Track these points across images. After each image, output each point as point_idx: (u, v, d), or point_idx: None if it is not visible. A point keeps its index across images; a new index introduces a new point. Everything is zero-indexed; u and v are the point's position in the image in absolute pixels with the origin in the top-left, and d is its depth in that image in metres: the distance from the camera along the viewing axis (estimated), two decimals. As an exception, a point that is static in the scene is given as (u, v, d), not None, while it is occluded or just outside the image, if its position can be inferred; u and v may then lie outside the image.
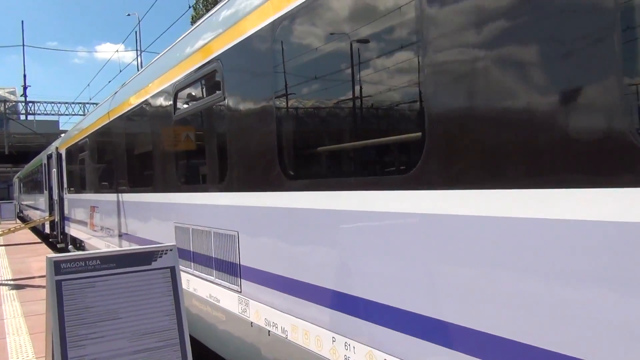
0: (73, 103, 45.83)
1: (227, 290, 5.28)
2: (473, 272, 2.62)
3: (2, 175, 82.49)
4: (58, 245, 17.93)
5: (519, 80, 2.40)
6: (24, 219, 36.32)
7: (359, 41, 3.49)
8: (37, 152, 41.60)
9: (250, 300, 4.84)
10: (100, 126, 10.80)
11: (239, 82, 4.95)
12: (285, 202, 4.18)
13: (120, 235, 9.53)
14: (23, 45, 69.52)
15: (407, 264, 3.03)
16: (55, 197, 18.67)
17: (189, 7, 35.93)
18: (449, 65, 2.72)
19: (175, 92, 6.45)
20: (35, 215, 29.14)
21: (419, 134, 2.91)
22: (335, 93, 3.82)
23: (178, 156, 6.62)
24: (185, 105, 6.33)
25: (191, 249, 6.17)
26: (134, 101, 8.15)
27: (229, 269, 5.21)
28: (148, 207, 7.76)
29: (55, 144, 19.15)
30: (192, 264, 6.13)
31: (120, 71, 53.15)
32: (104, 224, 10.82)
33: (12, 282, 10.97)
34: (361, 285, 3.43)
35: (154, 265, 4.02)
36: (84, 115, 46.44)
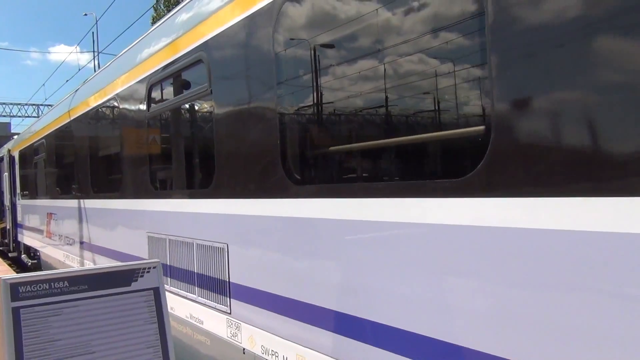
0: (26, 104, 43.77)
1: (212, 310, 4.62)
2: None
3: (-52, 180, 78.50)
4: (10, 254, 16.70)
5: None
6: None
7: (387, 24, 2.94)
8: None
9: (242, 323, 4.20)
10: (58, 126, 9.92)
11: (230, 72, 4.32)
12: (290, 211, 3.58)
13: (81, 245, 8.69)
14: (-28, 43, 66.20)
15: (447, 286, 2.48)
16: (7, 202, 17.43)
17: (150, 7, 34.85)
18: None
19: (149, 87, 5.76)
20: (-16, 222, 27.45)
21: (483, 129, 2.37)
22: (361, 82, 3.24)
23: (152, 158, 5.92)
24: (161, 101, 5.65)
25: (167, 262, 5.48)
26: (99, 98, 7.39)
27: (216, 287, 4.56)
28: (115, 215, 7.00)
29: (7, 146, 17.92)
30: (169, 279, 5.44)
31: (80, 69, 51.12)
32: (63, 232, 9.93)
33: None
34: (385, 311, 2.86)
35: (135, 286, 3.35)
36: (38, 117, 44.43)
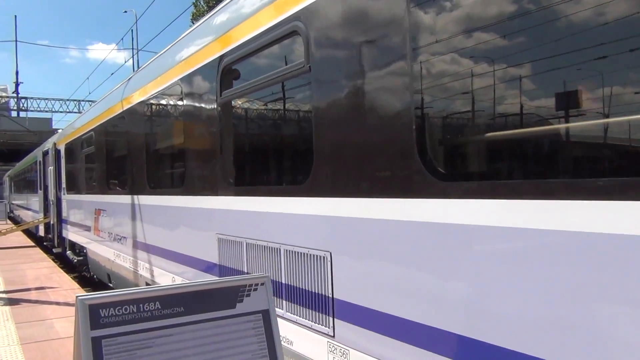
0: (68, 100, 44.13)
1: (307, 330, 3.87)
2: None
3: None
4: (54, 250, 16.40)
5: None
6: (14, 220, 34.64)
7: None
8: (29, 151, 39.89)
9: (350, 350, 3.43)
10: (110, 117, 9.36)
11: (337, 43, 3.55)
12: (431, 215, 2.79)
13: (134, 244, 8.09)
14: (16, 40, 67.79)
15: None
16: (52, 197, 17.14)
17: (190, 5, 34.75)
18: None
19: (222, 68, 5.05)
20: (27, 216, 27.52)
21: None
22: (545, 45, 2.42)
23: (226, 150, 5.21)
24: (239, 83, 4.92)
25: (244, 269, 4.77)
26: (159, 85, 6.73)
27: (312, 302, 3.81)
28: (176, 213, 6.34)
29: (52, 139, 17.63)
30: (247, 289, 4.72)
31: (121, 66, 51.59)
32: (113, 229, 9.37)
33: (5, 295, 9.48)
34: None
35: (240, 308, 2.62)
36: (80, 112, 44.76)
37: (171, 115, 6.69)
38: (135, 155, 7.95)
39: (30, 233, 23.25)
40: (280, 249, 4.18)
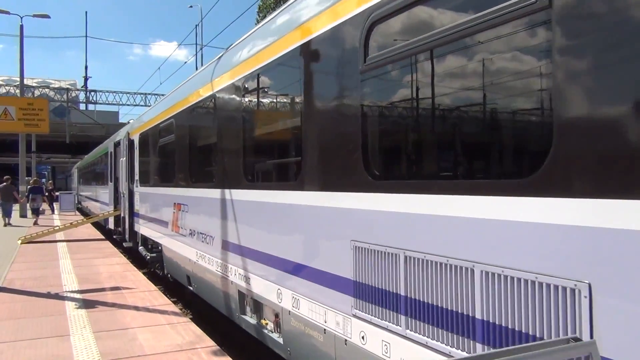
0: (135, 93, 44.50)
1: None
2: None
3: (61, 166, 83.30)
4: (125, 244, 15.80)
5: None
6: (82, 211, 35.02)
7: None
8: (97, 143, 40.41)
9: None
10: (195, 102, 8.38)
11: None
12: None
13: (224, 245, 7.05)
14: (86, 36, 69.59)
15: None
16: (123, 189, 16.59)
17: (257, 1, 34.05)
18: None
19: (368, 26, 3.85)
20: (95, 208, 27.49)
21: None
22: None
23: (369, 133, 4.01)
24: (400, 41, 3.69)
25: (398, 290, 3.56)
26: (268, 55, 5.60)
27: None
28: (288, 212, 5.19)
29: (125, 129, 17.08)
30: (407, 319, 3.50)
31: (185, 62, 51.90)
32: (197, 227, 8.39)
33: (79, 296, 8.69)
34: None
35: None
36: (147, 106, 45.16)
37: (284, 91, 5.56)
38: (228, 144, 6.90)
39: (99, 225, 23.03)
40: (474, 270, 2.93)
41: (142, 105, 44.71)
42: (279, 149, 5.93)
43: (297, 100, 5.06)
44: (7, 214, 23.62)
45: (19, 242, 16.67)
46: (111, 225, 19.22)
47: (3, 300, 8.45)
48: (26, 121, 11.84)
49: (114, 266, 11.98)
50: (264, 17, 44.31)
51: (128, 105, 44.97)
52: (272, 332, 5.78)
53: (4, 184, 23.60)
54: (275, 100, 5.86)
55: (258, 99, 6.18)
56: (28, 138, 33.19)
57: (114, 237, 18.53)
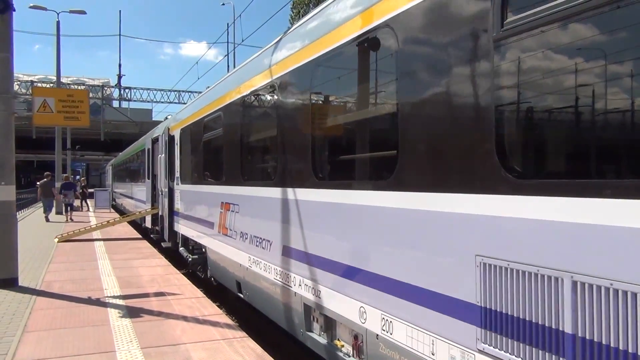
0: (169, 90, 44.28)
1: None
2: None
3: (95, 163, 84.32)
4: (163, 245, 15.19)
5: None
6: (116, 208, 34.86)
7: None
8: (131, 141, 40.32)
9: None
10: (250, 91, 7.59)
11: None
12: None
13: (286, 252, 6.25)
14: (120, 34, 70.15)
15: None
16: (161, 187, 16.01)
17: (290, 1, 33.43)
18: None
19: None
20: (130, 206, 27.15)
21: None
22: None
23: (505, 116, 3.14)
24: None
25: (571, 330, 2.67)
26: (353, 30, 4.76)
27: None
28: (379, 217, 4.34)
29: (164, 124, 16.47)
30: (577, 365, 2.62)
31: (217, 63, 51.66)
32: (250, 229, 7.61)
33: (122, 302, 8.01)
34: None
35: None
36: (181, 103, 44.88)
37: (380, 69, 4.71)
38: (292, 136, 6.09)
39: (135, 224, 22.59)
40: None
41: (176, 103, 44.47)
42: (364, 140, 5.07)
43: (392, 79, 4.20)
44: (49, 209, 23.81)
45: (56, 240, 16.25)
46: (148, 224, 18.70)
47: (41, 306, 7.83)
48: (66, 114, 11.25)
49: (155, 268, 11.33)
50: (298, 13, 43.83)
51: (162, 102, 44.75)
52: (351, 357, 4.94)
53: (44, 180, 23.96)
54: (363, 82, 4.99)
55: (339, 81, 5.34)
56: (63, 136, 33.13)
57: (151, 236, 17.99)
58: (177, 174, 13.34)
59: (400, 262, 4.05)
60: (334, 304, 5.12)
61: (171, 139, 14.18)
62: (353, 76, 5.02)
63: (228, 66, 40.55)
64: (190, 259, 12.02)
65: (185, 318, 7.11)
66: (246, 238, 7.80)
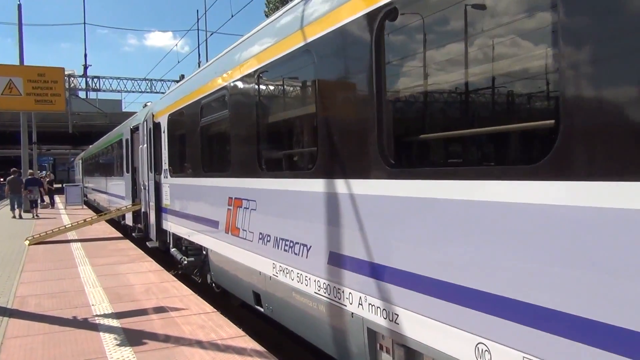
0: (140, 80, 42.07)
1: None
2: None
3: (62, 158, 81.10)
4: (149, 244, 13.62)
5: None
6: (88, 204, 32.85)
7: None
8: (100, 133, 38.20)
9: None
10: (272, 59, 6.16)
11: None
12: None
13: (335, 260, 4.91)
14: (84, 23, 67.20)
15: None
16: (143, 181, 14.44)
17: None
18: None
19: None
20: (105, 202, 25.34)
21: None
22: None
23: None
24: None
25: None
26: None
27: None
28: (520, 217, 3.03)
29: (146, 111, 14.85)
30: None
31: (188, 54, 49.67)
32: (273, 230, 6.24)
33: (117, 324, 6.55)
34: None
35: None
36: (155, 92, 42.66)
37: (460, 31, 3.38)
38: (344, 110, 4.73)
39: (112, 220, 20.85)
40: None
41: (148, 92, 42.34)
42: (461, 112, 3.74)
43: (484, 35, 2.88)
44: (19, 205, 23.85)
45: (27, 242, 14.54)
46: (129, 221, 17.06)
47: (16, 332, 6.31)
48: (37, 97, 9.61)
49: (146, 275, 9.84)
50: (276, 7, 42.08)
51: (133, 92, 42.53)
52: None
53: (12, 176, 23.42)
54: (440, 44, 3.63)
55: (409, 34, 3.97)
56: (29, 129, 30.99)
57: (133, 234, 16.40)
58: (166, 166, 11.81)
59: (556, 283, 2.75)
60: (422, 333, 3.80)
61: (156, 126, 12.61)
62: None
63: (199, 55, 38.59)
64: (185, 262, 10.55)
65: (200, 344, 5.71)
66: (268, 241, 6.41)
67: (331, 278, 5.02)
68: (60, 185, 44.35)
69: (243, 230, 7.21)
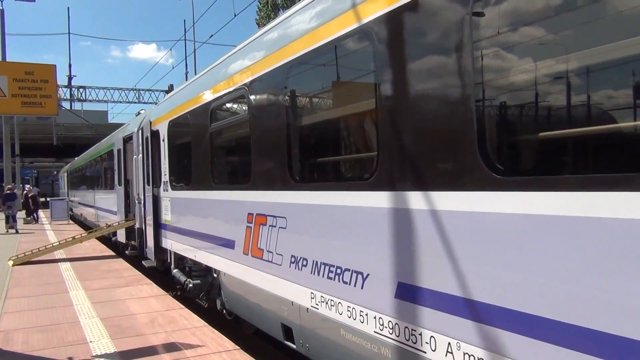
0: (128, 89, 40.81)
1: None
2: None
3: (45, 171, 79.22)
4: (145, 264, 12.46)
5: None
6: (75, 219, 31.45)
7: None
8: (86, 145, 36.90)
9: None
10: (310, 49, 5.17)
11: None
12: None
13: (406, 294, 3.91)
14: (69, 33, 65.88)
15: None
16: (139, 194, 13.32)
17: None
18: None
19: None
20: (92, 216, 24.08)
21: None
22: None
23: None
24: None
25: None
26: None
27: None
28: None
29: (142, 118, 13.75)
30: None
31: (173, 67, 48.62)
32: (316, 253, 5.21)
33: (122, 368, 5.46)
34: None
35: None
36: (143, 103, 41.42)
37: None
38: (432, 104, 3.75)
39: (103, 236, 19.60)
40: None
41: (136, 102, 41.13)
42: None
43: None
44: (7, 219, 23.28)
45: (11, 263, 13.32)
46: (121, 238, 15.89)
47: (0, 380, 5.21)
48: (24, 98, 8.52)
49: (148, 301, 8.72)
50: (268, 16, 41.24)
51: (120, 102, 41.27)
52: None
53: None
54: None
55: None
56: (11, 140, 29.72)
57: (127, 252, 15.24)
58: (166, 178, 10.72)
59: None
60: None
61: (154, 134, 11.53)
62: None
63: (187, 65, 37.44)
64: (190, 285, 9.45)
65: (229, 395, 4.64)
66: (304, 265, 5.38)
67: (401, 316, 4.00)
68: (44, 199, 42.83)
69: (268, 252, 6.16)
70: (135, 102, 40.95)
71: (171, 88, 38.62)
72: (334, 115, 5.40)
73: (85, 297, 9.07)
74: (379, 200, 4.17)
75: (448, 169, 3.55)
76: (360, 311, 4.42)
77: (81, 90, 39.98)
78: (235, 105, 7.14)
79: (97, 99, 40.66)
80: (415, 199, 3.80)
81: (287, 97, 5.66)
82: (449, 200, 3.52)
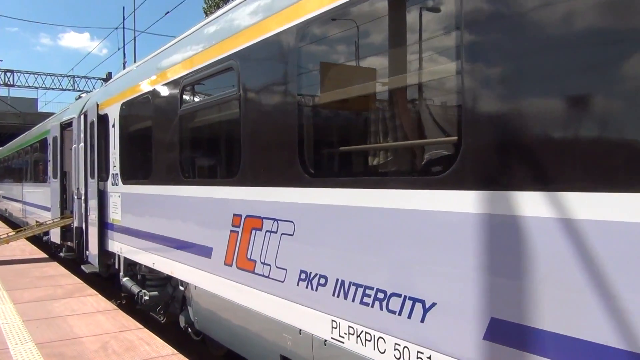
0: (62, 75, 37.78)
1: None
2: None
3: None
4: (86, 269, 10.74)
5: None
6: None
7: None
8: (12, 135, 33.82)
9: None
10: (313, 15, 3.93)
11: None
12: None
13: (502, 335, 2.75)
14: (-4, 12, 61.16)
15: None
16: (79, 188, 11.57)
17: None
18: None
19: None
20: (19, 212, 21.68)
21: None
22: None
23: None
24: None
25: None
26: None
27: None
28: None
29: (83, 102, 11.98)
30: None
31: (109, 56, 45.86)
32: (341, 270, 3.97)
33: None
34: None
35: None
36: (79, 91, 38.34)
37: None
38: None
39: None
40: None
41: (70, 90, 38.14)
42: None
43: None
44: None
45: None
46: (55, 237, 13.96)
47: None
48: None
49: (95, 317, 7.16)
50: (215, 4, 39.40)
51: (53, 89, 38.15)
52: None
53: None
54: None
55: None
56: None
57: (61, 255, 13.39)
58: (116, 170, 9.12)
59: None
60: None
61: (102, 120, 9.87)
62: None
63: (124, 55, 34.92)
64: (146, 298, 7.96)
65: None
66: (322, 285, 4.14)
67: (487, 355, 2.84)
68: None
69: (263, 264, 4.87)
70: (69, 90, 37.95)
71: (109, 76, 36.01)
72: (352, 95, 4.20)
73: (15, 312, 7.39)
74: (462, 201, 3.00)
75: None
76: (428, 355, 3.23)
77: (9, 74, 36.59)
78: (218, 81, 5.78)
79: (26, 84, 37.36)
80: (516, 202, 2.65)
81: (289, 76, 4.39)
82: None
